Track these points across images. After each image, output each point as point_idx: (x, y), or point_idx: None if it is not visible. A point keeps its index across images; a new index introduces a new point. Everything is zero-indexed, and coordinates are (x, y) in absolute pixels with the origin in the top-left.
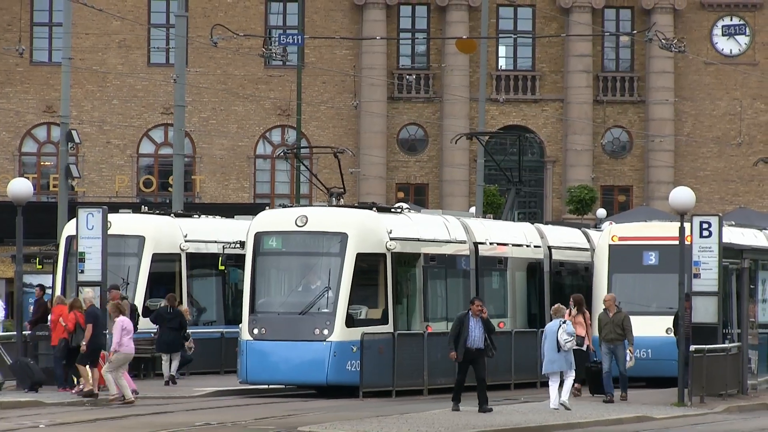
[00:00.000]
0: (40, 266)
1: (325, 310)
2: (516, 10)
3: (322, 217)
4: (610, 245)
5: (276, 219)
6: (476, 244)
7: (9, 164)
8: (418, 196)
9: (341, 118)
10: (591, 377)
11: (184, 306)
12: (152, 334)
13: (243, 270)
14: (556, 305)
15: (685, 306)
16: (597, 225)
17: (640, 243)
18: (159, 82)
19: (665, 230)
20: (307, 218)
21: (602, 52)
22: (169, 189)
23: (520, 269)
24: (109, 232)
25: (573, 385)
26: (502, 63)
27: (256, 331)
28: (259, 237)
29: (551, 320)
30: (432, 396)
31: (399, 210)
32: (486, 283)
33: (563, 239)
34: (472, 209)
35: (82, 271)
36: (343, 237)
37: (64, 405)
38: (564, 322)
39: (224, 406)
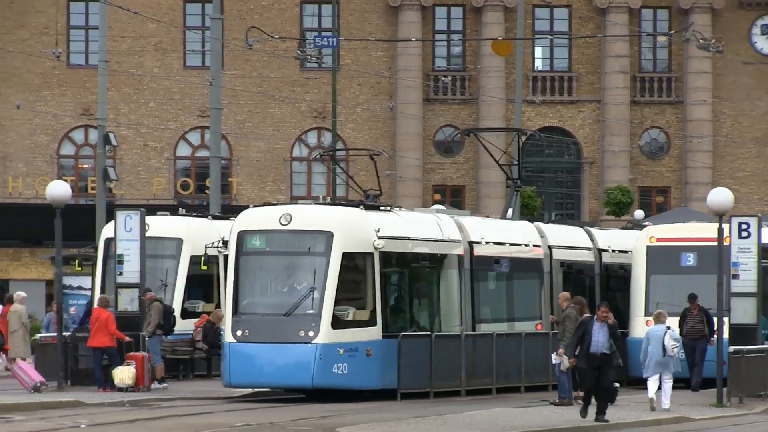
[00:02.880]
0: (80, 268)
1: (311, 312)
2: (552, 10)
3: (307, 216)
4: (647, 246)
5: (259, 217)
6: (471, 243)
7: (47, 167)
8: (455, 198)
9: (377, 120)
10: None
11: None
12: (190, 335)
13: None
14: (658, 311)
15: (690, 307)
16: (627, 225)
17: (678, 244)
18: (195, 84)
19: (703, 231)
20: (291, 216)
21: (639, 53)
22: (206, 191)
23: (519, 269)
24: (147, 234)
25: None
26: (538, 64)
27: (239, 332)
28: (242, 236)
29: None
30: (470, 397)
31: (388, 208)
32: (482, 283)
33: (565, 239)
34: (509, 211)
35: (121, 273)
36: (328, 236)
37: (104, 405)
38: (669, 328)
39: (263, 408)
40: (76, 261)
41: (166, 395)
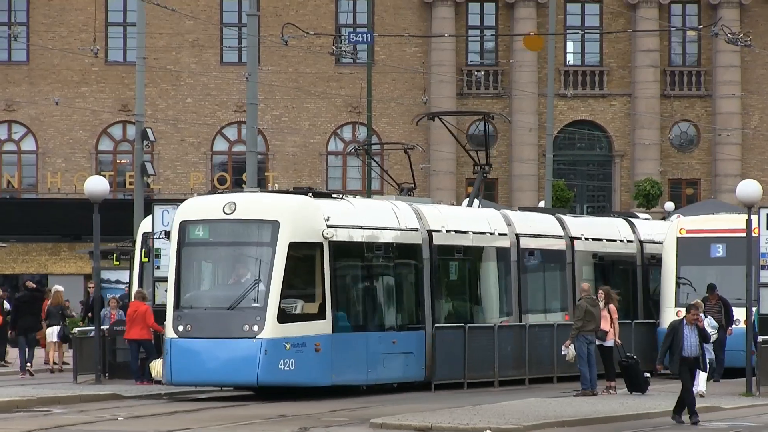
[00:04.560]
0: (117, 262)
1: (256, 305)
2: (583, 6)
3: (252, 204)
4: (678, 238)
5: (203, 206)
6: (430, 232)
7: (86, 162)
8: (488, 191)
9: (411, 114)
10: (626, 373)
11: None
12: None
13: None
14: (695, 300)
15: (709, 297)
16: (612, 214)
17: (708, 235)
18: (232, 80)
19: (732, 223)
20: (235, 205)
21: (669, 47)
22: (243, 185)
23: (483, 259)
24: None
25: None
26: (569, 59)
27: (181, 328)
28: (184, 226)
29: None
30: (503, 388)
31: (340, 196)
32: (443, 274)
33: (534, 227)
34: (541, 203)
35: (158, 267)
36: (274, 225)
37: (142, 398)
38: (706, 316)
39: (299, 399)
40: (114, 255)
41: (203, 387)
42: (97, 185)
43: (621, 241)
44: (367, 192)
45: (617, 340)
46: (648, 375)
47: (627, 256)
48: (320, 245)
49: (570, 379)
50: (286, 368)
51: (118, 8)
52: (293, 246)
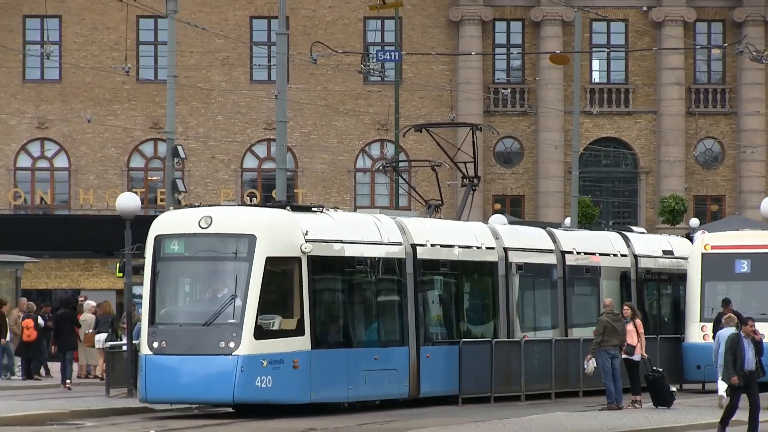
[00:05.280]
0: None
1: (232, 321)
2: (609, 24)
3: (229, 218)
4: (702, 254)
5: (178, 220)
6: (414, 246)
7: (117, 179)
8: (514, 208)
9: (438, 132)
10: (651, 387)
11: None
12: None
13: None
14: (728, 314)
15: (724, 311)
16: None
17: (733, 251)
18: (261, 98)
19: (757, 239)
20: (211, 219)
21: (694, 65)
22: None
23: (470, 273)
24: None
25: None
26: (595, 76)
27: (156, 344)
28: (159, 240)
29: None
30: (529, 402)
31: (320, 209)
32: (426, 289)
33: (523, 240)
34: (567, 220)
35: None
36: (251, 239)
37: (173, 411)
38: (739, 329)
39: (328, 413)
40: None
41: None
42: (128, 202)
43: (615, 255)
44: (395, 208)
45: (644, 354)
46: (674, 389)
47: (621, 270)
48: (298, 260)
49: (595, 393)
50: (263, 385)
51: (150, 27)
52: (270, 261)
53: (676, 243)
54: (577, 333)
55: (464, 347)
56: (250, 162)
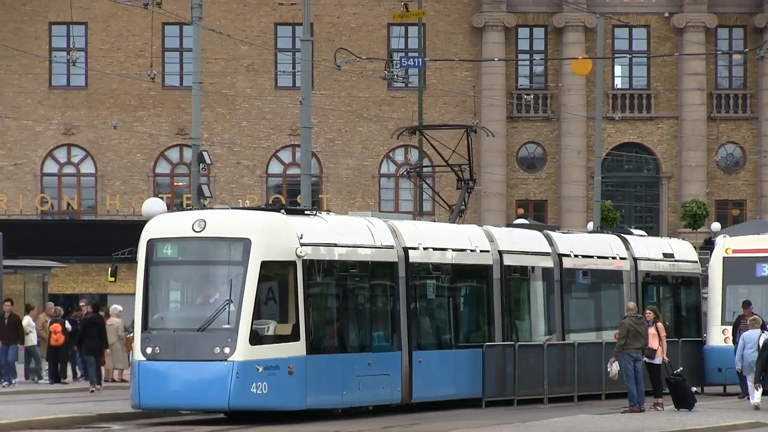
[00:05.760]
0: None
1: (227, 326)
2: (631, 30)
3: (223, 222)
4: (724, 257)
5: (171, 224)
6: (406, 250)
7: (144, 185)
8: (537, 213)
9: (462, 137)
10: (673, 390)
11: None
12: None
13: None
14: (753, 316)
15: (744, 313)
16: (597, 229)
17: (754, 255)
18: (286, 104)
19: None
20: (205, 223)
21: (715, 70)
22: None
23: (463, 277)
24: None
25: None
26: (617, 82)
27: (149, 350)
28: (152, 244)
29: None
30: (551, 404)
31: (313, 213)
32: (419, 293)
33: (519, 243)
34: (590, 224)
35: None
36: (245, 243)
37: (200, 414)
38: (764, 331)
39: (355, 417)
40: (109, 271)
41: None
42: (154, 207)
43: (614, 258)
44: (419, 213)
45: (665, 357)
46: (695, 391)
47: (620, 273)
48: (293, 264)
49: (617, 396)
50: (258, 392)
51: (175, 34)
52: (265, 265)
53: (677, 246)
54: (574, 338)
55: (487, 350)
56: (275, 168)
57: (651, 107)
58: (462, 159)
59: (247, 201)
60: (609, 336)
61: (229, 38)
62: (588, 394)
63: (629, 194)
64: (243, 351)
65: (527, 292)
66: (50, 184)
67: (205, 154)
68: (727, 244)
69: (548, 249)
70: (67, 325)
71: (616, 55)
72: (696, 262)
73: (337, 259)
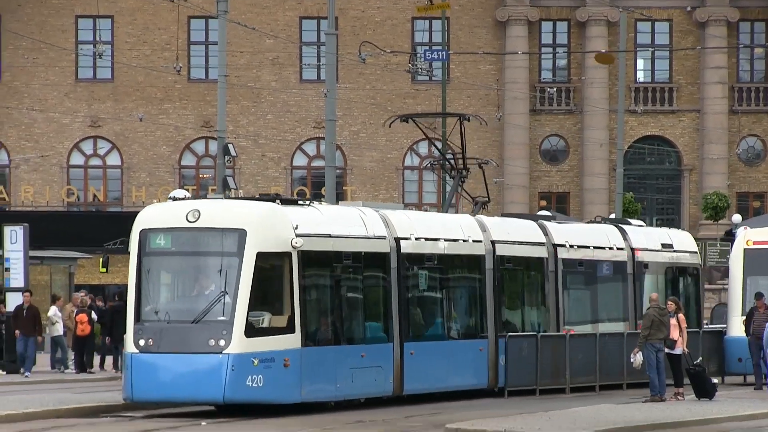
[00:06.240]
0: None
1: (222, 318)
2: (653, 24)
3: (218, 212)
4: (744, 249)
5: (164, 214)
6: (398, 240)
7: (169, 177)
8: (560, 204)
9: (485, 130)
10: (694, 380)
11: None
12: None
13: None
14: None
15: (757, 305)
16: (596, 219)
17: None
18: (311, 97)
19: None
20: (199, 213)
21: (737, 64)
22: (322, 200)
23: (455, 267)
24: None
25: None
26: (640, 76)
27: (142, 342)
28: (144, 234)
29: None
30: (573, 394)
31: (307, 202)
32: (411, 284)
33: (512, 233)
34: (612, 216)
35: None
36: (241, 234)
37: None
38: None
39: (375, 407)
40: (101, 261)
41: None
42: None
43: (611, 248)
44: (443, 206)
45: (685, 348)
46: (716, 381)
47: (617, 263)
48: (289, 255)
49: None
50: (254, 385)
51: (200, 27)
52: (261, 256)
53: (676, 236)
54: (570, 329)
55: (510, 341)
56: (300, 160)
57: (673, 100)
58: (477, 151)
59: (240, 191)
60: (605, 327)
61: (255, 32)
62: (610, 384)
63: (651, 186)
64: (238, 343)
65: (521, 282)
66: (76, 176)
67: (230, 146)
68: (747, 236)
69: (543, 239)
70: (93, 315)
71: (638, 49)
72: (696, 252)
73: (331, 249)
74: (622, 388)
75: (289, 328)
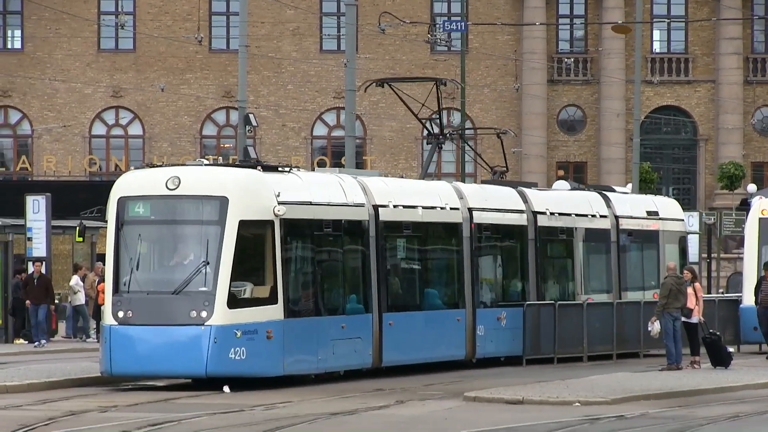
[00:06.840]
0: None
1: (203, 289)
2: None
3: (198, 179)
4: (759, 219)
5: (143, 181)
6: (376, 207)
7: (191, 146)
8: (577, 174)
9: (503, 100)
10: (709, 348)
11: None
12: None
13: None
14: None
15: (765, 275)
16: (580, 186)
17: None
18: (331, 67)
19: None
20: (179, 180)
21: (752, 35)
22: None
23: (433, 235)
24: None
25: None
26: (656, 46)
27: (121, 314)
28: (123, 202)
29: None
30: (590, 362)
31: (287, 169)
32: (389, 253)
33: (490, 201)
34: (629, 186)
35: None
36: (222, 201)
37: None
38: None
39: (394, 376)
40: (77, 231)
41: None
42: None
43: (593, 216)
44: (461, 176)
45: (701, 317)
46: (731, 350)
47: (600, 231)
48: (271, 223)
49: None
50: (237, 357)
51: None
52: (243, 224)
53: (662, 204)
54: (550, 299)
55: (528, 309)
56: (320, 130)
57: (689, 71)
58: (495, 122)
59: (220, 158)
60: (588, 297)
61: (275, 2)
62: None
63: (667, 156)
64: (221, 315)
65: (499, 250)
66: (98, 145)
67: (251, 116)
68: (762, 206)
69: (522, 206)
70: None
71: (654, 20)
72: (682, 220)
73: (312, 218)
74: (638, 356)
75: (272, 299)
